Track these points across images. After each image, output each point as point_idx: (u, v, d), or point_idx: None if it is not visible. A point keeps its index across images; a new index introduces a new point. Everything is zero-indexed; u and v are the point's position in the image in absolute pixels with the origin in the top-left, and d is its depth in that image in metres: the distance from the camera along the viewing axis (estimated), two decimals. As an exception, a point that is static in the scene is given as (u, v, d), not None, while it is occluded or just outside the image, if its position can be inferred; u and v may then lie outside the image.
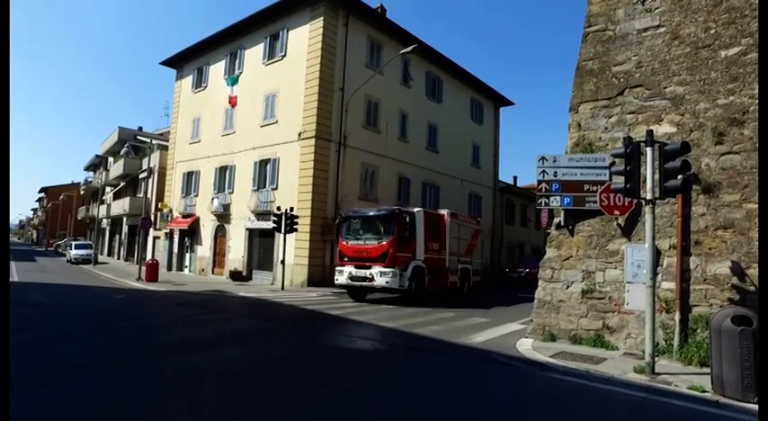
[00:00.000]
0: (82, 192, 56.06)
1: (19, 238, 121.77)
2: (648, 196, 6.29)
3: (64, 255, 37.38)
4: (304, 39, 20.02)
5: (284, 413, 4.41)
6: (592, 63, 9.18)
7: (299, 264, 18.35)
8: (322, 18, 19.42)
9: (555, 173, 8.77)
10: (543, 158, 8.95)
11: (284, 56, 20.95)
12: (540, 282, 8.95)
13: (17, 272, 21.62)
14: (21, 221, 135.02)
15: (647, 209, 6.39)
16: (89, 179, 53.55)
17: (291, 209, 17.52)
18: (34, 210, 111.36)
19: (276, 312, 11.47)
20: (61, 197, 57.02)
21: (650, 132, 6.43)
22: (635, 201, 7.45)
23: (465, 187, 28.22)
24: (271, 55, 21.68)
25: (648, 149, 6.31)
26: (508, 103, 32.24)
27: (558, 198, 8.71)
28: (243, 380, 5.37)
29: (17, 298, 12.44)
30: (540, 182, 8.94)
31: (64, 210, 59.01)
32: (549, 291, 8.78)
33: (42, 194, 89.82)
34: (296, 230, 17.24)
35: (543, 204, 8.97)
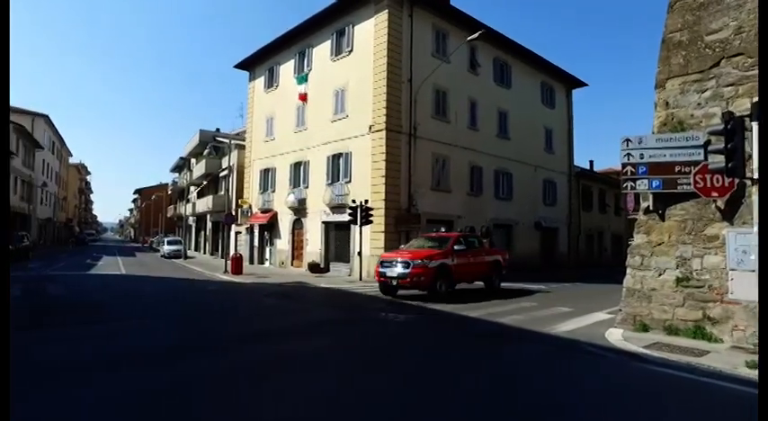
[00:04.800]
0: (170, 192, 60.57)
1: (119, 236, 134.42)
2: (756, 175, 5.78)
3: (158, 251, 40.61)
4: (370, 33, 20.21)
5: (373, 401, 4.57)
6: (680, 34, 8.52)
7: (376, 256, 18.66)
8: (386, 11, 19.48)
9: (641, 155, 8.29)
10: (627, 140, 8.48)
11: (351, 51, 21.27)
12: (628, 270, 8.53)
13: (123, 266, 24.15)
14: (120, 221, 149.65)
15: (753, 189, 5.90)
16: (175, 180, 57.63)
17: (366, 201, 17.86)
18: (131, 210, 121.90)
19: (356, 302, 11.80)
20: (153, 197, 61.95)
21: (757, 105, 5.89)
22: (737, 181, 6.87)
23: (539, 174, 27.33)
24: (338, 51, 22.09)
25: (754, 124, 5.80)
26: (581, 84, 30.67)
27: (646, 181, 8.22)
28: (333, 364, 5.62)
29: (126, 288, 13.81)
30: (624, 165, 8.49)
31: (155, 209, 63.98)
32: (638, 279, 8.34)
33: (136, 196, 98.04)
34: (371, 222, 17.58)
35: (629, 188, 8.51)
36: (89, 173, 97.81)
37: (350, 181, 20.40)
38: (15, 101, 46.13)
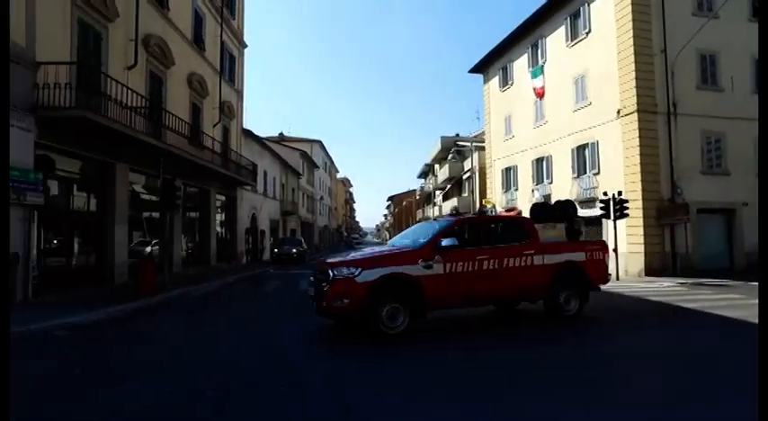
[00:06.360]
0: (417, 197, 66.48)
1: (377, 239, 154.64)
2: None
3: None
4: (609, 7, 18.42)
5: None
6: None
7: (634, 252, 16.90)
8: (628, -23, 17.46)
9: None
10: None
11: (588, 32, 19.76)
12: None
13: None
14: (377, 225, 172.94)
15: None
16: (422, 185, 62.94)
17: (619, 193, 16.35)
18: (385, 215, 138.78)
19: (619, 303, 10.92)
20: (403, 203, 69.03)
21: None
22: None
23: None
24: (573, 35, 20.80)
25: None
26: None
27: None
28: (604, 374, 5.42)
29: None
30: None
31: (406, 213, 71.16)
32: None
33: (389, 202, 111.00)
34: (626, 216, 16.01)
35: None
36: (351, 185, 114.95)
37: (598, 172, 18.93)
38: (299, 132, 58.09)
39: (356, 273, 6.79)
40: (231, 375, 5.22)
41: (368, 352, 6.34)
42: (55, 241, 12.11)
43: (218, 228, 23.79)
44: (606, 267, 8.95)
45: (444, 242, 7.25)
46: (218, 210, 23.79)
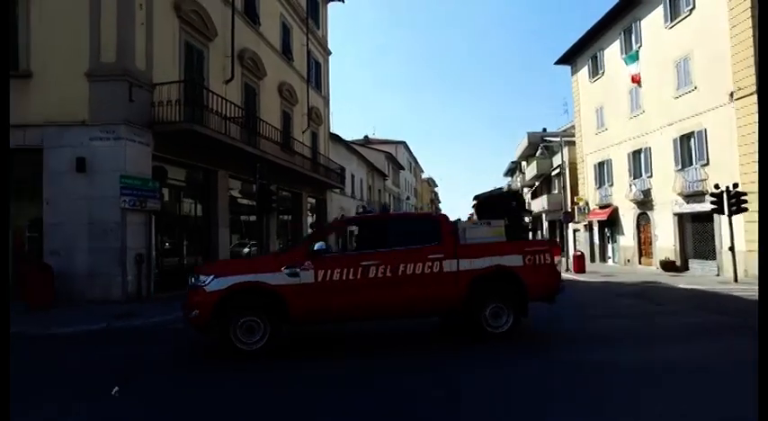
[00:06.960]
0: (503, 196, 64.73)
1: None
2: None
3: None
4: (718, -22, 16.73)
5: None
6: None
7: (755, 251, 15.15)
8: (742, -56, 15.71)
9: None
10: None
11: (692, 9, 18.10)
12: None
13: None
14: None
15: None
16: (509, 183, 61.14)
17: (734, 185, 14.76)
18: (471, 214, 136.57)
19: (737, 307, 9.87)
20: (489, 202, 67.67)
21: None
22: None
23: None
24: (674, 14, 19.17)
25: None
26: None
27: None
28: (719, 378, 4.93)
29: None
30: None
31: (492, 212, 69.44)
32: None
33: (475, 201, 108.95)
34: (744, 210, 14.40)
35: None
36: (436, 185, 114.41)
37: (707, 163, 17.24)
38: (383, 134, 59.09)
39: (206, 282, 5.99)
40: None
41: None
42: (167, 243, 13.37)
43: (309, 230, 24.82)
44: (557, 274, 6.97)
45: (316, 246, 6.23)
46: (309, 212, 24.85)
